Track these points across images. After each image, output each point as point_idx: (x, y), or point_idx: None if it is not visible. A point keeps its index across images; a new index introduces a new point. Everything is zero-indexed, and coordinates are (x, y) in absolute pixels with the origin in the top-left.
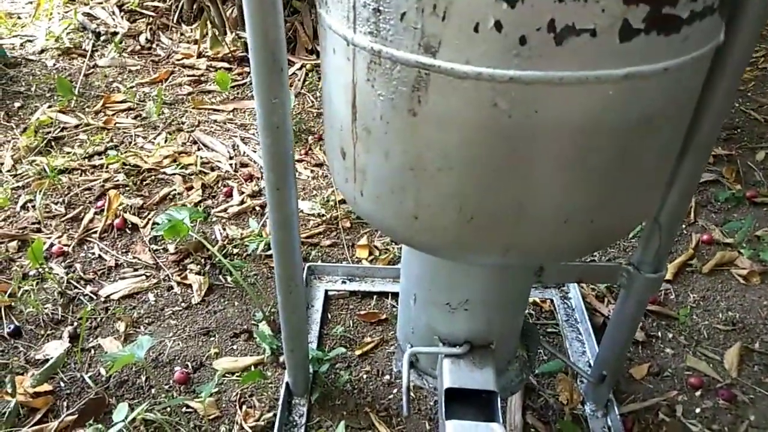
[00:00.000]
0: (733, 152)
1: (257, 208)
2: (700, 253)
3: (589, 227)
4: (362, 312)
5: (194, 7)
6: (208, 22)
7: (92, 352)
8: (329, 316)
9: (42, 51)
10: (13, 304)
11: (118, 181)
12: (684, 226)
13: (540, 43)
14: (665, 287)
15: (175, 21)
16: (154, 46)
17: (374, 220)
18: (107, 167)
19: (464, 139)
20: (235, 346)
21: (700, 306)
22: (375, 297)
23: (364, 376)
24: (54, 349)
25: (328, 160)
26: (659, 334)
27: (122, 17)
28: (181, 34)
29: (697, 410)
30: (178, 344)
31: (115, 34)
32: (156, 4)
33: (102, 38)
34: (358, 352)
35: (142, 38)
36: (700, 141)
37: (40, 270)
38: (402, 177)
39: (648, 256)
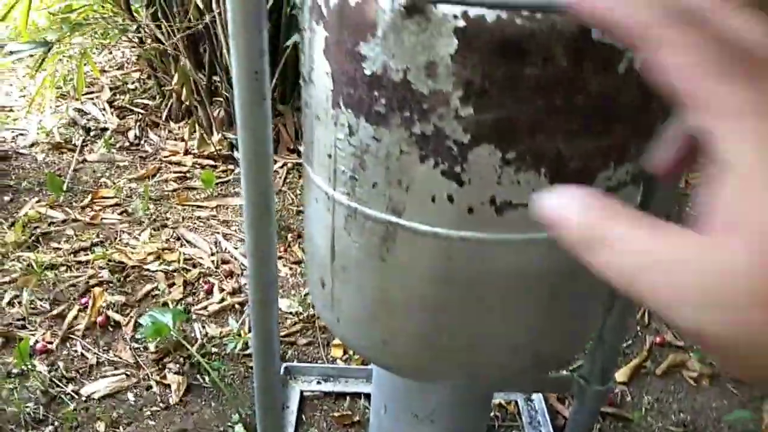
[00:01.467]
0: None
1: (237, 306)
2: (654, 355)
3: (536, 354)
4: (336, 413)
5: (183, 107)
6: (196, 124)
7: None
8: (304, 417)
9: (33, 145)
10: None
11: (102, 277)
12: (638, 328)
13: (484, 213)
14: (621, 389)
15: (164, 119)
16: (142, 142)
17: (349, 343)
18: (92, 263)
19: (425, 282)
20: None
21: (654, 408)
22: (348, 398)
23: None
24: None
25: (309, 287)
26: None
27: (112, 113)
28: (169, 131)
29: None
30: None
31: (105, 129)
32: (146, 101)
33: (92, 133)
34: None
35: (131, 134)
36: None
37: (24, 368)
38: (373, 309)
39: (596, 369)
